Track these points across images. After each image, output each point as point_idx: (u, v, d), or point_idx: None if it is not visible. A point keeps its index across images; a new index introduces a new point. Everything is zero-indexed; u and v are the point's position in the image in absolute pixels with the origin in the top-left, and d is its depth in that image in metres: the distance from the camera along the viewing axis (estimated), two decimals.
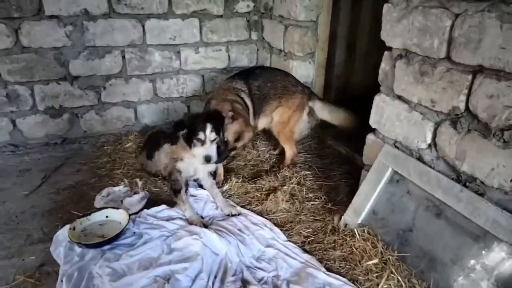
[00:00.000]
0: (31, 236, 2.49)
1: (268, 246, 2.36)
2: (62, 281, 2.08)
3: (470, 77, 1.87)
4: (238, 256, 2.26)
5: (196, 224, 2.54)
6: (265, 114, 3.30)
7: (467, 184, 1.96)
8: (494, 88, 1.76)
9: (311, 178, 3.17)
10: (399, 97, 2.36)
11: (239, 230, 2.47)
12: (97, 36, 3.62)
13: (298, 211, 2.73)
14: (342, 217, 2.54)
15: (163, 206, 2.69)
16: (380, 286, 2.01)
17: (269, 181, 3.03)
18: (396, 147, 2.42)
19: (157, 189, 3.05)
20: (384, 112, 2.49)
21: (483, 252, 1.81)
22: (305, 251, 2.35)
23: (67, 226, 2.44)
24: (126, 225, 2.42)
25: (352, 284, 2.05)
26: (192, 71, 4.10)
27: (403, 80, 2.30)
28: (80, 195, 2.97)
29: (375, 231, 2.32)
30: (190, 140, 2.71)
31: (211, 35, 4.03)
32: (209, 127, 2.65)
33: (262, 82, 3.23)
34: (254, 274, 2.14)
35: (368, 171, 2.72)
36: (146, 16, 3.73)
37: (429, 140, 2.18)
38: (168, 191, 2.91)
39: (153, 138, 3.34)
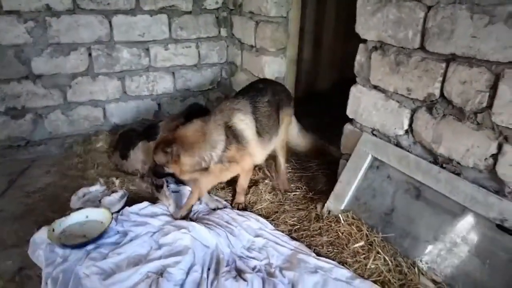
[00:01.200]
0: (4, 241, 2.35)
1: (257, 236, 2.39)
2: (46, 283, 1.99)
3: (444, 65, 2.01)
4: (228, 247, 2.27)
5: (180, 219, 2.52)
6: (276, 134, 2.78)
7: (444, 165, 2.11)
8: (466, 74, 1.91)
9: (290, 170, 3.23)
10: (375, 87, 2.48)
11: (227, 222, 2.47)
12: (61, 33, 3.46)
13: (281, 202, 2.79)
14: (325, 204, 2.62)
15: (146, 203, 2.64)
16: (368, 266, 2.11)
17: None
18: (374, 135, 2.54)
19: (135, 188, 2.97)
20: (360, 102, 2.60)
21: (463, 226, 1.96)
22: (293, 238, 2.40)
23: (45, 228, 2.33)
24: (110, 223, 2.35)
25: (342, 266, 2.13)
26: (162, 68, 4.03)
27: (379, 71, 2.42)
28: (53, 197, 2.83)
29: (358, 216, 2.42)
30: None
31: (180, 31, 3.98)
32: None
33: (271, 95, 2.72)
34: (247, 263, 2.16)
35: (346, 160, 2.83)
36: (113, 12, 3.62)
37: (405, 127, 2.31)
38: (148, 187, 2.86)
39: (125, 137, 3.26)
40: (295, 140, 3.19)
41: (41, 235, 2.31)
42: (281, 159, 2.98)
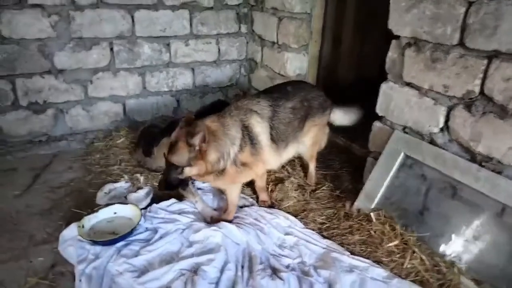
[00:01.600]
0: (34, 237, 2.33)
1: (287, 234, 2.36)
2: (80, 280, 1.97)
3: (485, 61, 1.97)
4: (260, 245, 2.25)
5: (210, 216, 2.50)
6: (296, 141, 2.63)
7: (483, 164, 2.06)
8: (511, 71, 1.86)
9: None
10: (408, 84, 2.44)
11: (255, 219, 2.45)
12: (84, 27, 3.44)
13: (308, 200, 2.75)
14: (354, 203, 2.59)
15: (172, 200, 2.62)
16: (404, 266, 2.08)
17: (274, 173, 3.01)
18: (405, 132, 2.50)
19: None
20: (392, 100, 2.56)
21: (504, 226, 1.92)
22: (324, 237, 2.37)
23: (74, 225, 2.32)
24: (140, 220, 2.33)
25: (378, 265, 2.10)
26: (182, 64, 4.01)
27: (412, 68, 2.37)
28: (78, 193, 2.82)
29: (390, 214, 2.38)
30: None
31: (201, 27, 3.95)
32: None
33: (298, 102, 2.53)
34: (280, 262, 2.13)
35: (374, 158, 2.80)
36: (136, 7, 3.59)
37: (441, 124, 2.27)
38: None
39: (147, 134, 3.23)
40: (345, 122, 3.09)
41: (70, 231, 2.29)
42: (311, 166, 2.95)
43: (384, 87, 2.61)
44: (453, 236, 2.12)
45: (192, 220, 2.42)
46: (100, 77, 3.66)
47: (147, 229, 2.37)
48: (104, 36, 3.55)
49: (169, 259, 2.11)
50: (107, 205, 2.49)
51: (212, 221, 2.46)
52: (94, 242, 2.18)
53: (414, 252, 2.13)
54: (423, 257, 2.08)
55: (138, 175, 2.98)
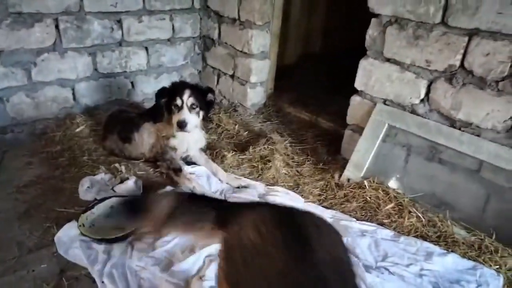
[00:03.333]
0: (23, 244, 2.05)
1: None
2: (103, 282, 1.82)
3: (466, 39, 2.23)
4: None
5: None
6: None
7: (462, 129, 2.37)
8: (490, 47, 2.15)
9: (289, 144, 3.29)
10: (388, 60, 2.64)
11: (259, 198, 2.48)
12: (23, 1, 2.96)
13: (297, 175, 2.85)
14: (344, 173, 2.77)
15: (168, 188, 2.50)
16: (405, 224, 2.32)
17: (256, 152, 3.03)
18: (386, 105, 2.72)
19: (143, 172, 2.78)
20: (372, 75, 2.75)
21: (481, 179, 2.26)
22: (326, 207, 2.51)
23: (69, 225, 2.13)
24: None
25: (382, 227, 2.31)
26: (136, 42, 3.71)
27: (394, 44, 2.57)
28: (53, 190, 2.51)
29: (381, 180, 2.61)
30: (169, 108, 2.63)
31: (154, 2, 3.67)
32: (187, 92, 2.59)
33: None
34: None
35: (352, 130, 3.01)
36: None
37: (422, 96, 2.53)
38: (164, 172, 2.69)
39: (121, 119, 2.98)
40: None
41: (66, 232, 2.09)
42: None
43: (364, 63, 2.78)
44: (440, 193, 2.42)
45: None
46: (45, 59, 3.22)
47: None
48: (48, 11, 3.11)
49: (190, 247, 2.05)
50: (101, 200, 2.27)
51: None
52: (104, 240, 2.01)
53: (410, 211, 2.38)
54: (419, 215, 2.35)
55: (117, 164, 2.76)
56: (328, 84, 4.57)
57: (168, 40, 3.94)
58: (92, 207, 2.21)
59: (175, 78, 4.15)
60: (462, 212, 2.33)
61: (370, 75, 2.76)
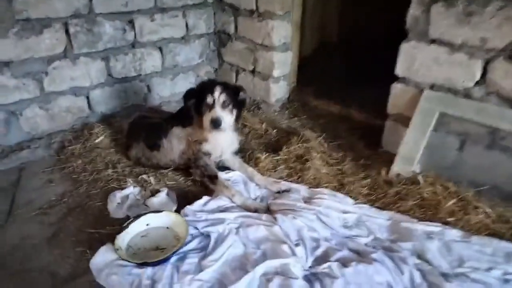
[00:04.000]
0: (57, 274, 1.84)
1: (344, 212, 2.21)
2: None
3: None
4: (327, 230, 2.07)
5: (254, 209, 2.23)
6: None
7: None
8: None
9: (324, 141, 3.04)
10: (434, 41, 2.40)
11: (306, 203, 2.25)
12: (30, 5, 2.74)
13: (339, 173, 2.62)
14: (392, 168, 2.54)
15: (206, 198, 2.29)
16: (472, 222, 2.09)
17: (291, 151, 2.80)
18: (434, 90, 2.48)
19: (173, 182, 2.56)
20: (416, 59, 2.51)
21: None
22: (379, 208, 2.28)
23: (104, 248, 1.91)
24: (187, 228, 1.98)
25: (448, 226, 2.08)
26: (149, 43, 3.48)
27: (441, 24, 2.33)
28: (80, 209, 2.31)
29: (435, 174, 2.38)
30: (199, 109, 2.39)
31: None
32: (218, 89, 2.36)
33: None
34: (356, 242, 1.99)
35: (394, 120, 2.77)
36: None
37: (477, 78, 2.28)
38: (198, 180, 2.48)
39: (142, 126, 2.77)
40: None
41: (102, 257, 1.88)
42: None
43: (405, 46, 2.54)
44: (502, 184, 2.18)
45: (240, 216, 2.14)
46: (56, 67, 3.01)
47: (193, 236, 2.03)
48: (56, 15, 2.88)
49: (241, 265, 1.83)
50: (135, 217, 2.06)
51: (259, 212, 2.20)
52: (145, 264, 1.80)
53: (476, 207, 2.15)
54: (488, 210, 2.11)
55: (145, 176, 2.55)
56: (351, 74, 4.33)
57: (182, 38, 3.71)
58: (127, 226, 1.99)
59: (192, 78, 3.93)
60: None
61: (413, 59, 2.52)
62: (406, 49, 2.54)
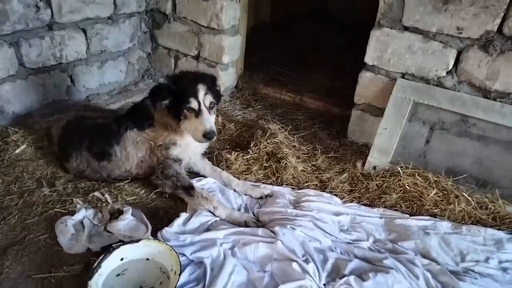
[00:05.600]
0: None
1: (337, 214, 2.08)
2: None
3: (508, 0, 2.02)
4: (327, 237, 1.91)
5: (244, 222, 1.96)
6: None
7: (498, 100, 2.21)
8: None
9: (282, 130, 2.83)
10: (408, 29, 2.34)
11: (297, 209, 2.06)
12: None
13: (315, 170, 2.47)
14: (367, 160, 2.47)
15: (184, 215, 1.95)
16: (457, 211, 2.12)
17: (261, 149, 2.55)
18: (406, 79, 2.44)
19: (133, 197, 2.14)
20: (388, 47, 2.43)
21: None
22: (368, 205, 2.20)
23: None
24: (178, 257, 1.63)
25: (437, 218, 2.09)
26: (70, 24, 2.83)
27: (416, 11, 2.27)
28: (17, 247, 1.77)
29: (414, 165, 2.37)
30: (176, 112, 1.98)
31: None
32: (202, 89, 1.99)
33: None
34: (360, 248, 1.87)
35: (361, 110, 2.71)
36: None
37: (450, 67, 2.30)
38: (167, 193, 2.09)
39: (82, 129, 2.25)
40: None
41: None
42: None
43: (376, 34, 2.44)
44: (477, 171, 2.27)
45: (231, 233, 1.85)
46: None
47: (181, 266, 1.69)
48: None
49: None
50: (105, 252, 1.63)
51: (249, 226, 1.94)
52: None
53: (456, 196, 2.19)
54: (468, 198, 2.17)
55: (97, 193, 2.08)
56: (294, 57, 4.20)
57: (109, 18, 3.12)
58: (98, 266, 1.57)
59: (122, 65, 3.37)
60: (509, 189, 2.20)
61: (385, 47, 2.44)
62: (377, 36, 2.45)
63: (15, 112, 2.70)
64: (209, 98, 1.98)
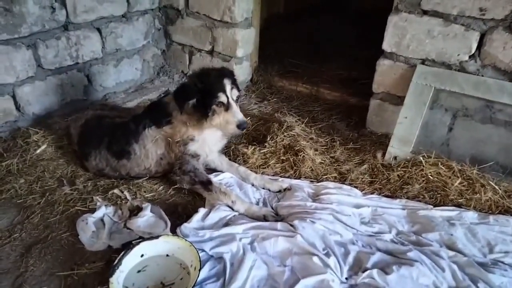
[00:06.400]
0: None
1: (358, 206, 2.03)
2: None
3: None
4: (349, 231, 1.87)
5: (263, 217, 1.94)
6: None
7: None
8: None
9: (299, 123, 2.79)
10: (427, 13, 2.26)
11: (316, 203, 2.02)
12: None
13: (334, 161, 2.43)
14: (387, 151, 2.41)
15: (202, 210, 1.94)
16: (483, 201, 2.05)
17: (277, 142, 2.51)
18: (426, 66, 2.36)
19: (152, 194, 2.15)
20: (406, 33, 2.36)
21: None
22: (389, 196, 2.14)
23: None
24: (198, 253, 1.62)
25: (462, 208, 2.01)
26: (85, 24, 2.86)
27: None
28: (40, 245, 1.80)
29: (437, 154, 2.29)
30: (206, 108, 1.99)
31: None
32: (228, 84, 2.02)
33: None
34: (382, 241, 1.82)
35: (380, 99, 2.64)
36: None
37: (473, 51, 2.21)
38: (186, 188, 2.09)
39: (100, 128, 2.27)
40: None
41: None
42: None
43: (394, 19, 2.37)
44: (504, 159, 2.18)
45: (250, 228, 1.84)
46: None
47: (201, 261, 1.68)
48: None
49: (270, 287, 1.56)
50: (125, 249, 1.64)
51: (267, 220, 1.92)
52: None
53: (482, 185, 2.11)
54: (495, 187, 2.09)
55: (117, 190, 2.09)
56: (309, 48, 4.13)
57: (123, 16, 3.13)
58: (119, 263, 1.58)
59: (138, 63, 3.39)
60: None
61: (403, 33, 2.37)
62: (395, 22, 2.37)
63: (35, 113, 2.74)
64: (235, 92, 2.04)
